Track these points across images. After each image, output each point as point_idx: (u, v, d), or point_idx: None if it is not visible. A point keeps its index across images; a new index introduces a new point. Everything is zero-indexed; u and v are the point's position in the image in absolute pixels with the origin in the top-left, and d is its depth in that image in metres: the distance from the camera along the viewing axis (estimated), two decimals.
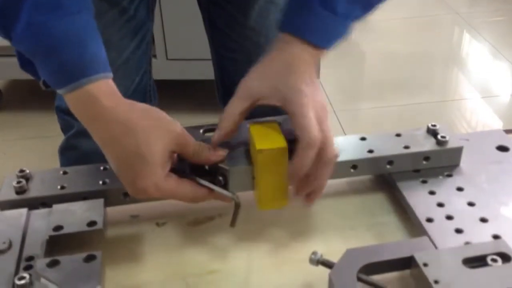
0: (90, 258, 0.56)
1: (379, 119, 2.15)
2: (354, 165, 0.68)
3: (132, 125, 0.58)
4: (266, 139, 0.61)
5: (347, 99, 2.30)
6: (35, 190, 0.66)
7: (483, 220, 0.62)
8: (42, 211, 0.64)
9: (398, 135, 0.72)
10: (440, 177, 0.69)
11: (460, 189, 0.67)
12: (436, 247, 0.57)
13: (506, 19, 2.96)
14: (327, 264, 0.55)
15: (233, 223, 0.62)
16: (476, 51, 2.71)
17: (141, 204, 0.67)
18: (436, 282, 0.51)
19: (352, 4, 0.64)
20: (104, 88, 0.58)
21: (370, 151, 0.69)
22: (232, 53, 0.97)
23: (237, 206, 0.61)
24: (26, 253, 0.59)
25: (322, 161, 0.60)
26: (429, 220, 0.62)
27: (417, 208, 0.64)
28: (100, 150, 0.60)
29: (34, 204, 0.65)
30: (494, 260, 0.53)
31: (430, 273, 0.51)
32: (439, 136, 0.70)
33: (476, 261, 0.53)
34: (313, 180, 0.61)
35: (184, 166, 0.62)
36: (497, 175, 0.70)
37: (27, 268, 0.57)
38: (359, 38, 2.82)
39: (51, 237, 0.60)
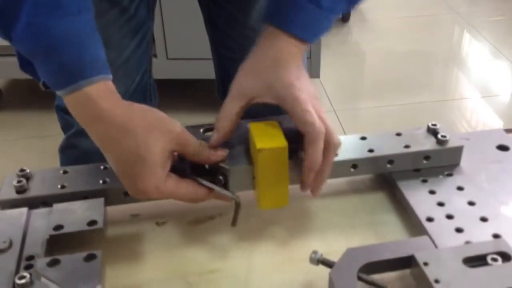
0: (90, 258, 0.56)
1: (379, 118, 2.15)
2: (354, 165, 0.68)
3: (131, 127, 0.58)
4: (266, 138, 0.61)
5: (347, 98, 2.30)
6: (35, 190, 0.66)
7: (483, 219, 0.62)
8: (43, 210, 0.64)
9: (398, 134, 0.72)
10: (441, 176, 0.69)
11: (460, 188, 0.67)
12: (436, 247, 0.57)
13: (506, 18, 2.96)
14: (328, 263, 0.55)
15: (234, 223, 0.62)
16: (476, 51, 2.71)
17: (141, 204, 0.67)
18: (436, 281, 0.51)
19: None
20: (102, 90, 0.58)
21: (370, 151, 0.69)
22: (232, 52, 0.97)
23: (238, 205, 0.61)
24: (27, 252, 0.59)
25: (329, 149, 0.61)
26: (429, 219, 0.62)
27: (418, 207, 0.64)
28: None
29: (34, 203, 0.65)
30: (494, 260, 0.53)
31: (431, 273, 0.51)
32: (439, 136, 0.70)
33: (476, 261, 0.53)
34: (320, 171, 0.61)
35: (185, 166, 0.62)
36: (498, 175, 0.70)
37: (28, 267, 0.57)
38: (359, 38, 2.82)
39: (51, 236, 0.60)
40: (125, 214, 0.68)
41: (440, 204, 0.64)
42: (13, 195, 0.65)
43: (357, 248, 0.55)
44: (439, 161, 0.70)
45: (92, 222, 0.61)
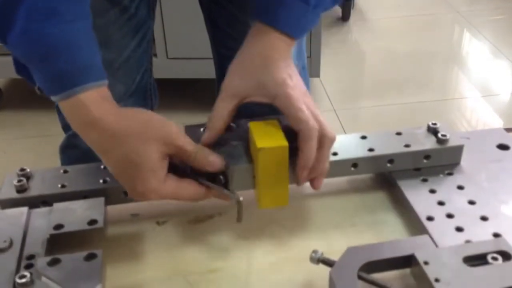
0: (90, 257, 0.56)
1: (380, 117, 2.15)
2: (354, 164, 0.68)
3: (122, 135, 0.58)
4: (266, 137, 0.61)
5: (347, 98, 2.30)
6: (35, 189, 0.66)
7: (484, 218, 0.62)
8: (43, 209, 0.64)
9: (398, 133, 0.72)
10: (441, 175, 0.69)
11: (460, 187, 0.67)
12: (436, 246, 0.57)
13: (506, 17, 2.96)
14: (328, 263, 0.55)
15: (239, 219, 0.62)
16: (476, 50, 2.71)
17: (141, 203, 0.67)
18: (436, 280, 0.51)
19: None
20: (95, 97, 0.58)
21: (371, 150, 0.69)
22: (233, 52, 0.97)
23: (239, 203, 0.61)
24: (27, 251, 0.59)
25: (324, 145, 0.61)
26: (430, 218, 0.62)
27: (418, 206, 0.64)
28: None
29: (34, 202, 0.65)
30: (494, 258, 0.53)
31: (431, 272, 0.51)
32: (439, 135, 0.70)
33: (477, 259, 0.53)
34: (316, 166, 0.61)
35: (185, 165, 0.62)
36: (498, 174, 0.70)
37: (28, 266, 0.57)
38: (359, 37, 2.82)
39: (51, 235, 0.60)
40: (125, 214, 0.68)
41: (441, 203, 0.64)
42: (13, 194, 0.65)
43: (357, 247, 0.55)
44: (439, 160, 0.70)
45: (92, 222, 0.61)
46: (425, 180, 0.68)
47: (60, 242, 0.61)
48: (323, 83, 2.34)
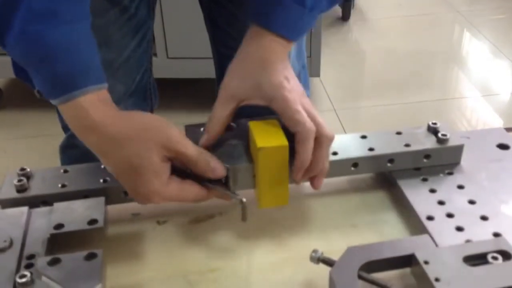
0: (91, 256, 0.56)
1: (380, 117, 2.15)
2: (354, 163, 0.68)
3: (121, 139, 0.57)
4: (266, 137, 0.61)
5: (347, 97, 2.30)
6: (36, 189, 0.66)
7: (484, 218, 0.62)
8: (43, 209, 0.64)
9: (398, 133, 0.72)
10: (441, 175, 0.69)
11: (460, 187, 0.67)
12: (436, 245, 0.57)
13: (507, 17, 2.96)
14: (328, 262, 0.55)
15: (244, 218, 0.61)
16: (476, 49, 2.71)
17: None
18: (436, 280, 0.51)
19: None
20: (95, 100, 0.58)
21: (371, 149, 0.69)
22: (232, 51, 0.97)
23: (243, 204, 0.61)
24: (27, 251, 0.59)
25: (322, 145, 0.61)
26: (430, 218, 0.62)
27: (418, 206, 0.64)
28: None
29: (35, 202, 0.65)
30: (494, 258, 0.53)
31: (431, 271, 0.52)
32: (439, 134, 0.70)
33: (477, 259, 0.53)
34: (315, 165, 0.61)
35: (186, 167, 0.62)
36: (498, 173, 0.70)
37: (28, 266, 0.57)
38: (360, 37, 2.82)
39: (52, 235, 0.60)
40: (126, 213, 0.68)
41: (441, 202, 0.64)
42: (13, 194, 0.65)
43: (357, 247, 0.55)
44: (439, 160, 0.70)
45: (92, 221, 0.61)
46: (425, 180, 0.68)
47: (60, 241, 0.61)
48: (323, 82, 2.34)
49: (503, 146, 0.75)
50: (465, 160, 0.71)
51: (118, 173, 0.60)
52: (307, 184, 0.65)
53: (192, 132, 0.64)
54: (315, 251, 0.57)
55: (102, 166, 0.68)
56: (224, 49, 0.99)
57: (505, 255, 0.53)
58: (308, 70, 1.11)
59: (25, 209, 0.64)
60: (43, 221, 0.62)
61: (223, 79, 0.65)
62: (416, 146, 0.69)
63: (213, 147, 0.63)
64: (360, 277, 0.53)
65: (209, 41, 1.03)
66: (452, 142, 0.70)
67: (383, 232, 0.64)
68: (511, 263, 0.53)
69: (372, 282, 0.53)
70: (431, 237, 0.58)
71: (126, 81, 0.92)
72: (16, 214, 0.63)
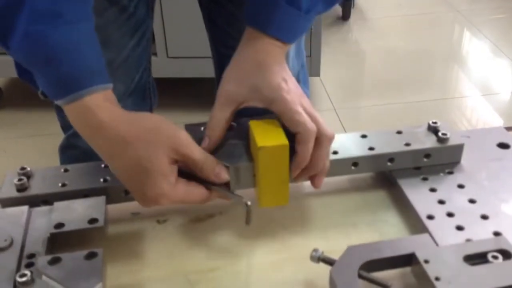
0: (91, 256, 0.56)
1: (380, 116, 2.15)
2: (355, 163, 0.68)
3: (130, 139, 0.57)
4: (267, 136, 0.60)
5: (347, 97, 2.30)
6: (36, 188, 0.66)
7: (484, 217, 0.62)
8: (43, 208, 0.64)
9: (399, 132, 0.72)
10: (441, 174, 0.69)
11: (461, 186, 0.67)
12: (437, 244, 0.57)
13: (507, 16, 2.96)
14: (328, 261, 0.55)
15: (248, 222, 0.61)
16: (476, 49, 2.71)
17: None
18: (437, 279, 0.51)
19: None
20: (101, 100, 0.58)
21: (371, 149, 0.69)
22: (232, 51, 0.97)
23: (248, 207, 0.60)
24: (28, 250, 0.59)
25: (322, 144, 0.61)
26: (430, 217, 0.62)
27: (418, 205, 0.64)
28: None
29: (35, 201, 0.65)
30: (495, 257, 0.53)
31: (431, 270, 0.52)
32: (440, 134, 0.70)
33: (477, 258, 0.53)
34: (315, 164, 0.61)
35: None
36: (498, 172, 0.70)
37: (29, 265, 0.57)
38: (360, 36, 2.82)
39: (52, 234, 0.60)
40: (126, 212, 0.68)
41: (441, 202, 0.64)
42: (13, 193, 0.65)
43: (358, 246, 0.55)
44: (439, 159, 0.70)
45: (93, 220, 0.61)
46: (425, 179, 0.68)
47: (60, 241, 0.61)
48: (323, 82, 2.34)
49: (503, 145, 0.75)
50: (465, 159, 0.71)
51: (124, 175, 0.59)
52: (307, 183, 0.65)
53: (193, 131, 0.63)
54: (315, 250, 0.57)
55: (103, 165, 0.69)
56: (223, 49, 0.99)
57: (506, 254, 0.53)
58: (308, 69, 1.11)
59: (25, 208, 0.64)
60: (43, 220, 0.62)
61: (220, 82, 0.65)
62: (416, 145, 0.69)
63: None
64: (360, 276, 0.53)
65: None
66: (452, 141, 0.70)
67: (383, 231, 0.64)
68: (511, 262, 0.53)
69: (372, 281, 0.53)
70: (431, 236, 0.58)
71: (125, 80, 0.92)
72: (16, 213, 0.63)
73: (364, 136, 0.71)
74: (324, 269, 0.55)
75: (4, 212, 0.64)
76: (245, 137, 0.64)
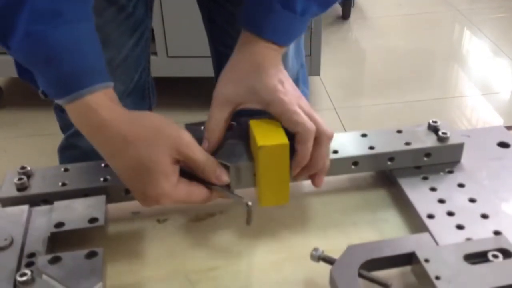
0: (91, 255, 0.56)
1: (380, 116, 2.15)
2: (355, 162, 0.68)
3: (131, 138, 0.57)
4: (267, 135, 0.60)
5: (347, 96, 2.30)
6: (36, 187, 0.66)
7: (484, 216, 0.62)
8: (44, 208, 0.64)
9: (399, 131, 0.72)
10: (441, 173, 0.69)
11: (461, 185, 0.67)
12: (437, 243, 0.57)
13: (507, 16, 2.96)
14: (329, 261, 0.55)
15: (248, 222, 0.61)
16: (476, 48, 2.71)
17: None
18: (437, 278, 0.51)
19: (309, 2, 0.65)
20: (102, 99, 0.57)
21: (371, 148, 0.69)
22: (231, 50, 0.97)
23: (249, 207, 0.60)
24: (28, 249, 0.59)
25: (322, 143, 0.61)
26: (430, 216, 0.62)
27: (418, 204, 0.64)
28: None
29: (35, 201, 0.65)
30: (495, 256, 0.53)
31: (431, 269, 0.52)
32: (440, 133, 0.70)
33: (477, 257, 0.53)
34: (315, 163, 0.61)
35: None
36: (498, 171, 0.70)
37: (29, 264, 0.57)
38: (360, 35, 2.82)
39: (52, 233, 0.60)
40: (126, 212, 0.68)
41: (441, 201, 0.64)
42: (14, 192, 0.65)
43: (358, 245, 0.55)
44: (439, 158, 0.70)
45: (93, 220, 0.61)
46: (425, 178, 0.68)
47: (60, 240, 0.61)
48: (323, 81, 2.34)
49: (503, 145, 0.75)
50: (466, 158, 0.71)
51: (125, 174, 0.59)
52: (307, 182, 0.65)
53: (192, 131, 0.63)
54: (315, 249, 0.57)
55: (103, 165, 0.68)
56: (223, 48, 0.99)
57: (506, 253, 0.53)
58: (308, 69, 1.11)
59: (25, 207, 0.64)
60: (43, 219, 0.62)
61: (216, 85, 0.65)
62: (417, 144, 0.69)
63: None
64: (360, 275, 0.53)
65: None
66: (453, 140, 0.70)
67: (384, 230, 0.64)
68: (511, 261, 0.53)
69: (372, 280, 0.53)
70: (431, 235, 0.58)
71: (124, 80, 0.92)
72: (17, 212, 0.63)
73: (364, 135, 0.71)
74: (324, 268, 0.55)
75: (4, 212, 0.64)
76: (245, 136, 0.64)
